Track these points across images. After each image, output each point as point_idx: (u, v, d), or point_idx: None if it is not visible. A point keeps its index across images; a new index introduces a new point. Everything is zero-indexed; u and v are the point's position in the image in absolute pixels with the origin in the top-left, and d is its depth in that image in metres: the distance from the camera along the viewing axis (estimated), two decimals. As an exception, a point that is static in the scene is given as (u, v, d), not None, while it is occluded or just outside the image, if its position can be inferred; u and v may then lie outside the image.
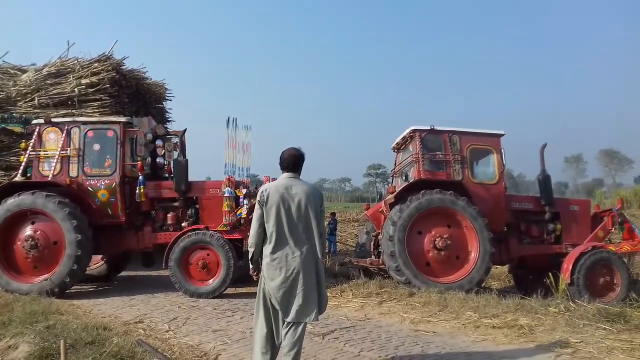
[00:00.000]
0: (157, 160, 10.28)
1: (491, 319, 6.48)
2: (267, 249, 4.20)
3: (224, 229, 9.00)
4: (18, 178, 9.27)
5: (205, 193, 9.52)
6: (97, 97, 12.22)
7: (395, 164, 11.32)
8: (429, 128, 9.55)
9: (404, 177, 10.38)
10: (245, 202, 9.05)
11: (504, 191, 9.61)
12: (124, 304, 8.18)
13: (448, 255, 8.81)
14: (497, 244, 9.19)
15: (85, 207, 8.94)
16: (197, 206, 9.58)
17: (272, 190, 4.20)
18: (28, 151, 9.24)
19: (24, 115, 11.60)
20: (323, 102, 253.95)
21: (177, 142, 10.46)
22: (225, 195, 9.06)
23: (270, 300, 4.20)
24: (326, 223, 15.50)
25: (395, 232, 8.68)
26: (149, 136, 10.03)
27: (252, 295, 4.40)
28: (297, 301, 4.09)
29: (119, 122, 9.38)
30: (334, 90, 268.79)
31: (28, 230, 8.70)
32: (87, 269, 9.46)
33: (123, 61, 13.02)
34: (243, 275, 9.08)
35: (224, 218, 9.02)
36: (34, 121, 9.77)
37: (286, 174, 4.31)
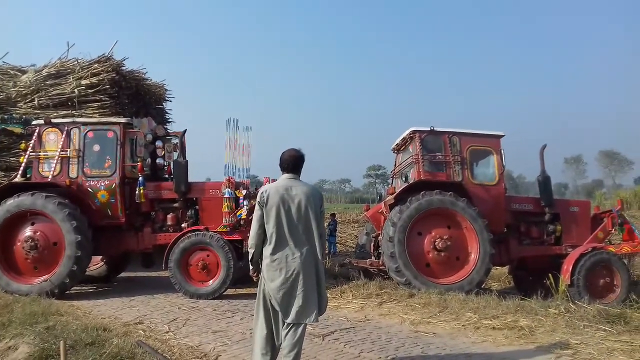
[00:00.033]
0: (157, 161, 10.29)
1: (491, 320, 6.48)
2: (267, 250, 4.20)
3: (223, 230, 9.00)
4: (18, 179, 9.27)
5: (205, 194, 9.52)
6: (97, 98, 12.24)
7: (395, 165, 11.32)
8: (428, 129, 9.55)
9: (403, 178, 10.38)
10: (245, 203, 9.04)
11: (504, 192, 9.61)
12: (123, 305, 8.18)
13: (448, 256, 8.81)
14: (497, 245, 9.19)
15: (85, 208, 8.94)
16: (197, 207, 9.57)
17: (272, 191, 4.20)
18: (28, 152, 9.24)
19: (23, 116, 11.61)
20: (323, 102, 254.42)
21: (177, 143, 10.46)
22: (225, 196, 9.06)
23: (270, 301, 4.20)
24: (326, 224, 15.49)
25: (395, 233, 8.68)
26: (149, 137, 10.04)
27: (252, 296, 4.40)
28: (297, 302, 4.09)
29: (119, 123, 9.38)
30: (334, 91, 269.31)
31: (28, 231, 8.70)
32: (87, 270, 9.46)
33: (123, 62, 13.06)
34: (243, 276, 9.08)
35: (223, 219, 9.01)
36: (34, 122, 9.76)
37: (286, 175, 4.31)
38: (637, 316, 6.43)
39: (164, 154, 10.27)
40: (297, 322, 4.10)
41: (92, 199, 9.09)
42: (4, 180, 10.88)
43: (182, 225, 9.44)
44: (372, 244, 10.26)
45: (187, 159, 9.81)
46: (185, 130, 10.62)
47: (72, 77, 12.51)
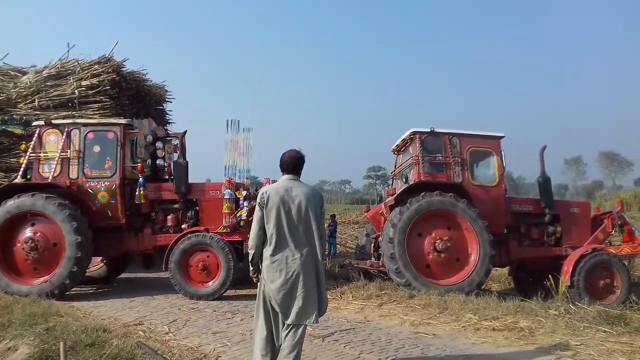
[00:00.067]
0: (157, 162, 10.30)
1: (491, 322, 6.48)
2: (267, 251, 4.20)
3: (224, 230, 9.01)
4: (18, 180, 9.28)
5: (205, 195, 9.53)
6: (98, 99, 12.23)
7: (395, 166, 11.32)
8: (429, 130, 9.55)
9: (404, 179, 10.39)
10: (245, 204, 9.05)
11: (504, 193, 9.61)
12: (123, 306, 8.18)
13: (448, 258, 8.80)
14: (497, 246, 9.18)
15: (85, 209, 8.94)
16: (197, 208, 9.58)
17: (272, 192, 4.20)
18: (28, 153, 9.25)
19: (24, 117, 11.60)
20: (323, 102, 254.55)
21: (177, 144, 10.47)
22: (225, 197, 9.07)
23: (270, 303, 4.20)
24: (326, 225, 15.49)
25: (395, 234, 8.68)
26: (149, 138, 10.05)
27: (252, 297, 4.40)
28: (297, 303, 4.09)
29: (119, 124, 9.39)
30: (334, 91, 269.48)
31: (28, 232, 8.71)
32: (87, 270, 9.45)
33: (123, 63, 13.05)
34: (243, 277, 9.08)
35: (224, 220, 9.02)
36: (34, 123, 9.77)
37: (286, 176, 4.31)
38: (637, 317, 6.43)
39: (164, 155, 10.28)
40: (297, 323, 4.10)
41: (93, 200, 9.10)
42: (4, 181, 10.89)
43: (182, 226, 9.45)
44: (372, 245, 10.26)
45: (187, 160, 9.83)
46: (185, 131, 10.64)
47: (73, 78, 12.51)
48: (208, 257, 8.73)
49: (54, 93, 12.41)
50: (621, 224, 9.57)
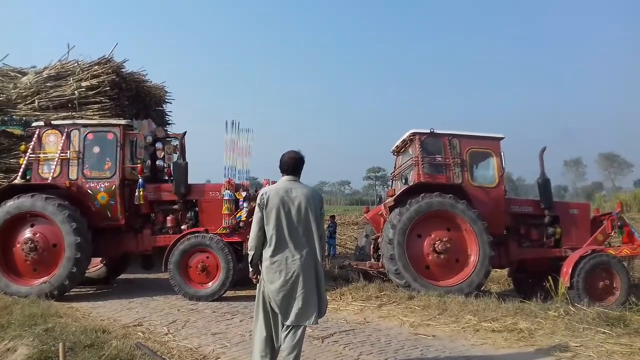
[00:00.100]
0: (157, 162, 10.30)
1: (491, 323, 6.48)
2: (267, 252, 4.20)
3: (223, 231, 9.01)
4: (17, 180, 9.28)
5: (204, 196, 9.53)
6: (97, 99, 12.25)
7: (395, 167, 11.32)
8: (428, 131, 9.55)
9: (403, 180, 10.40)
10: (245, 205, 9.05)
11: (504, 194, 9.61)
12: (123, 307, 8.17)
13: (448, 259, 8.80)
14: (496, 248, 9.18)
15: (84, 209, 8.94)
16: (197, 209, 9.58)
17: (272, 193, 4.20)
18: (28, 154, 9.25)
19: (24, 118, 11.60)
20: (323, 103, 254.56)
21: (176, 144, 10.47)
22: (224, 198, 9.07)
23: (269, 304, 4.19)
24: (325, 226, 15.50)
25: (395, 235, 8.68)
26: (149, 139, 10.05)
27: (252, 298, 4.40)
28: (297, 304, 4.09)
29: (118, 125, 9.39)
30: (334, 91, 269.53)
31: (27, 233, 8.70)
32: (87, 271, 9.45)
33: (123, 64, 13.06)
34: (242, 278, 9.07)
35: (223, 221, 9.02)
36: (34, 124, 9.77)
37: (286, 177, 4.31)
38: (637, 319, 6.43)
39: (164, 155, 10.28)
40: (296, 324, 4.09)
41: (92, 201, 9.10)
42: (4, 182, 10.89)
43: (182, 227, 9.45)
44: (372, 246, 10.27)
45: (186, 160, 9.83)
46: (185, 132, 10.65)
47: (72, 79, 12.51)
48: (207, 258, 8.72)
49: (54, 94, 12.42)
50: (621, 225, 9.58)
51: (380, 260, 9.27)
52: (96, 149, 9.27)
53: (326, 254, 12.64)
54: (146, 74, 14.00)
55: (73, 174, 9.15)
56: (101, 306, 8.25)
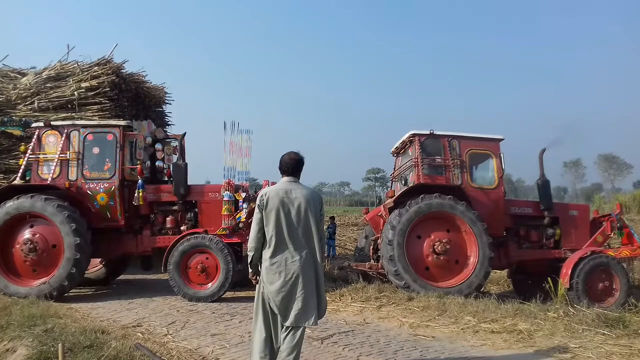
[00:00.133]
0: (157, 163, 10.29)
1: (490, 324, 6.48)
2: (267, 253, 4.19)
3: (223, 232, 9.01)
4: (17, 181, 9.28)
5: (204, 197, 9.54)
6: (97, 100, 12.26)
7: (394, 168, 11.33)
8: (428, 132, 9.55)
9: (403, 182, 10.39)
10: (245, 206, 9.05)
11: (503, 196, 9.61)
12: (122, 308, 8.17)
13: (447, 260, 8.80)
14: (496, 249, 9.19)
15: (84, 210, 8.94)
16: (196, 210, 9.58)
17: (271, 194, 4.20)
18: (27, 154, 9.25)
19: (23, 119, 11.61)
20: (322, 103, 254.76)
21: (176, 145, 10.47)
22: (224, 199, 9.06)
23: (269, 304, 4.19)
24: (325, 227, 15.50)
25: (395, 236, 8.67)
26: (149, 140, 10.05)
27: (251, 299, 4.40)
28: (297, 305, 4.09)
29: (118, 126, 9.39)
30: (333, 91, 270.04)
31: (27, 234, 8.70)
32: (86, 272, 9.44)
33: (123, 65, 13.07)
34: (242, 279, 9.10)
35: (223, 222, 9.03)
36: (34, 124, 9.78)
37: (286, 178, 4.31)
38: (636, 320, 6.43)
39: (164, 156, 10.28)
40: (296, 325, 4.09)
41: (92, 202, 9.10)
42: (4, 183, 10.89)
43: (182, 228, 9.46)
44: (371, 247, 10.26)
45: (186, 161, 9.83)
46: (184, 133, 10.66)
47: (72, 80, 12.52)
48: (207, 259, 8.72)
49: (54, 95, 12.42)
50: (620, 227, 9.58)
51: (380, 261, 9.27)
52: (96, 150, 9.28)
53: (325, 255, 12.64)
54: (146, 75, 14.03)
55: (72, 175, 9.15)
56: (100, 307, 8.24)
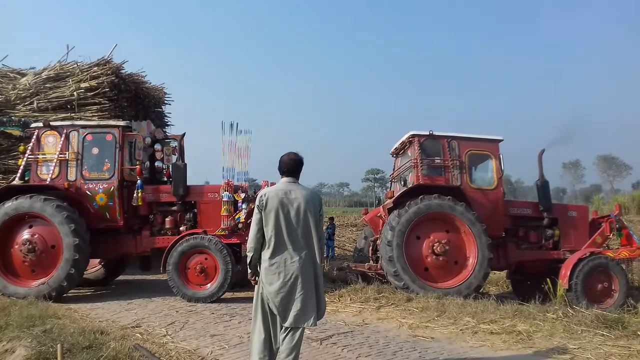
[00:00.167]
0: (156, 164, 10.30)
1: (489, 325, 6.49)
2: (266, 253, 4.19)
3: (222, 233, 9.00)
4: (16, 181, 9.27)
5: (203, 197, 9.54)
6: (96, 101, 12.27)
7: (393, 168, 11.33)
8: (427, 133, 9.56)
9: (402, 182, 10.39)
10: (244, 206, 9.05)
11: (503, 197, 9.62)
12: (121, 308, 8.16)
13: (446, 261, 8.81)
14: (495, 250, 9.20)
15: (83, 210, 8.94)
16: (196, 210, 9.58)
17: (271, 194, 4.20)
18: (26, 154, 9.24)
19: (22, 119, 11.60)
20: (322, 103, 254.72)
21: (176, 146, 10.47)
22: (223, 199, 9.06)
23: (268, 305, 4.19)
24: (324, 228, 15.50)
25: (394, 237, 8.68)
26: (148, 140, 10.05)
27: (250, 300, 4.39)
28: (296, 306, 4.08)
29: (117, 126, 9.39)
30: (333, 92, 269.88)
31: (26, 234, 8.70)
32: (85, 272, 9.44)
33: (122, 65, 13.08)
34: (241, 280, 9.10)
35: (222, 222, 9.02)
36: (33, 125, 9.77)
37: (285, 179, 4.31)
38: (635, 321, 6.44)
39: (163, 157, 10.28)
40: (295, 326, 4.09)
41: (91, 202, 9.10)
42: (3, 183, 10.88)
43: (181, 228, 9.46)
44: (371, 247, 10.26)
45: (185, 162, 9.83)
46: (184, 134, 10.67)
47: (72, 80, 12.54)
48: (206, 259, 8.72)
49: (53, 95, 12.43)
50: (619, 228, 9.58)
51: (379, 262, 9.27)
52: (95, 150, 9.27)
53: (325, 255, 12.65)
54: (145, 75, 14.05)
55: (72, 175, 9.14)
56: (99, 307, 8.24)
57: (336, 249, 17.29)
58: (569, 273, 8.55)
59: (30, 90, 12.53)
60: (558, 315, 6.69)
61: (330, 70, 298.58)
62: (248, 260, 4.33)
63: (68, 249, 8.47)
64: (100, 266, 10.76)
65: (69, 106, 12.33)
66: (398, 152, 10.92)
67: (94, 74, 12.51)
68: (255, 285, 4.32)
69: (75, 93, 12.25)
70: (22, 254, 8.58)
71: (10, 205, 8.65)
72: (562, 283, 8.46)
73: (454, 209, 8.80)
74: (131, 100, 13.26)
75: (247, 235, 4.44)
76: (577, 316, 6.60)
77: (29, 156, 9.23)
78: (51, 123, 9.55)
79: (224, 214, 9.01)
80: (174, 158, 10.37)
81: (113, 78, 12.48)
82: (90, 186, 9.12)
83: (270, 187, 4.51)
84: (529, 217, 9.96)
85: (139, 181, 9.17)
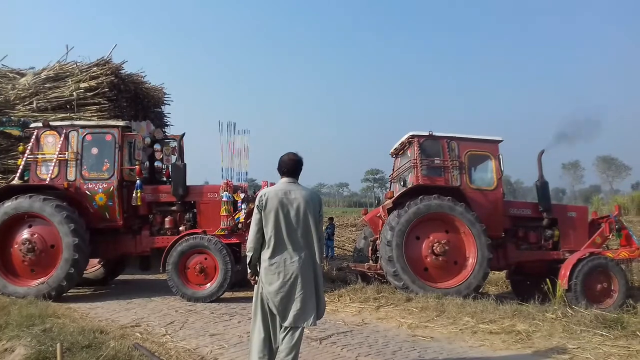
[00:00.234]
0: (156, 164, 10.30)
1: (488, 325, 6.49)
2: (266, 253, 4.20)
3: (221, 233, 9.01)
4: (16, 181, 9.27)
5: (203, 197, 9.54)
6: (96, 101, 12.26)
7: (393, 169, 11.34)
8: (427, 134, 9.57)
9: (402, 183, 10.40)
10: (243, 206, 9.06)
11: (502, 197, 9.62)
12: (120, 308, 8.17)
13: (446, 261, 8.81)
14: (494, 250, 9.20)
15: (82, 210, 8.94)
16: (195, 210, 9.59)
17: (271, 194, 4.20)
18: (26, 154, 9.25)
19: (22, 119, 11.60)
20: (322, 104, 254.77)
21: (175, 146, 10.47)
22: (223, 199, 9.06)
23: (267, 305, 4.19)
24: (324, 228, 15.51)
25: (393, 237, 8.68)
26: (147, 140, 10.06)
27: (250, 299, 4.40)
28: (295, 306, 4.09)
29: (117, 126, 9.40)
30: (333, 92, 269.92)
31: (25, 234, 8.70)
32: (84, 272, 9.44)
33: (122, 65, 13.08)
34: (241, 280, 9.10)
35: (221, 222, 9.03)
36: (32, 124, 9.77)
37: (285, 179, 4.32)
38: (634, 321, 6.43)
39: (162, 157, 10.28)
40: (294, 325, 4.09)
41: (90, 202, 9.10)
42: (2, 183, 10.89)
43: (180, 228, 9.46)
44: (370, 247, 10.26)
45: (185, 162, 9.83)
46: (183, 134, 10.66)
47: (71, 80, 12.53)
48: (206, 259, 8.72)
49: (52, 95, 12.43)
50: (619, 228, 9.59)
51: (379, 262, 9.28)
52: (94, 150, 9.28)
53: (324, 255, 12.65)
54: (145, 75, 14.05)
55: (71, 175, 9.15)
56: (99, 307, 8.24)
57: (336, 249, 17.31)
58: (568, 273, 8.56)
59: (30, 90, 12.53)
60: (557, 315, 6.69)
61: (330, 70, 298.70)
62: (248, 260, 4.34)
63: (67, 249, 8.47)
64: (99, 266, 10.77)
65: (68, 106, 12.32)
66: (398, 153, 10.93)
67: (93, 74, 12.50)
68: (255, 285, 4.32)
69: (74, 93, 12.25)
70: (22, 254, 8.59)
71: (9, 205, 8.65)
72: (562, 283, 8.46)
73: (453, 209, 8.80)
74: (131, 100, 13.26)
75: (247, 235, 4.44)
76: (577, 316, 6.60)
77: (29, 156, 9.23)
78: (50, 123, 9.55)
79: (224, 214, 9.01)
80: (173, 158, 10.37)
81: (112, 78, 12.48)
82: (90, 186, 9.12)
83: (270, 187, 4.52)
84: (528, 218, 9.97)
85: (138, 181, 9.17)
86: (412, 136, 9.65)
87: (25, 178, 9.36)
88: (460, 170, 9.47)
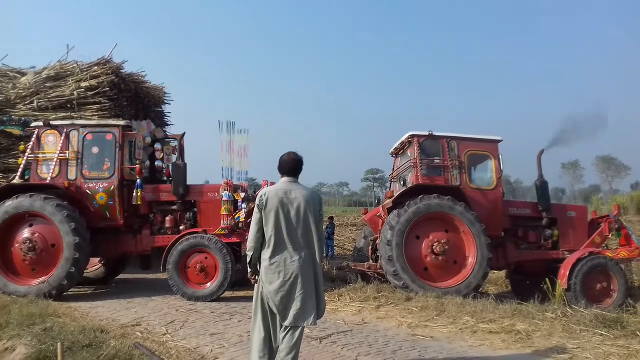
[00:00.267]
0: (156, 163, 10.31)
1: (488, 324, 6.50)
2: (266, 253, 4.21)
3: (222, 232, 9.02)
4: (16, 180, 9.28)
5: (203, 196, 9.55)
6: (96, 100, 12.27)
7: (393, 168, 11.34)
8: (427, 133, 9.57)
9: (402, 182, 10.41)
10: (244, 205, 9.07)
11: (502, 197, 9.63)
12: (121, 307, 8.17)
13: (446, 260, 8.82)
14: (494, 249, 9.22)
15: (83, 209, 8.95)
16: (195, 209, 9.59)
17: (271, 194, 4.21)
18: (26, 153, 9.25)
19: (22, 118, 11.60)
20: (322, 103, 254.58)
21: (175, 145, 10.49)
22: (223, 198, 9.07)
23: (267, 304, 4.20)
24: (324, 227, 15.51)
25: (393, 236, 8.69)
26: (148, 139, 10.07)
27: (250, 298, 4.41)
28: (295, 305, 4.10)
29: (117, 126, 9.40)
30: (333, 92, 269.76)
31: (26, 233, 8.70)
32: (85, 271, 9.45)
33: (122, 65, 13.09)
34: (241, 279, 9.11)
35: (222, 221, 9.04)
36: (33, 124, 9.77)
37: (285, 178, 4.32)
38: (634, 321, 6.44)
39: (163, 156, 10.30)
40: (294, 324, 4.11)
41: (91, 201, 9.10)
42: (3, 182, 10.90)
43: (180, 227, 9.47)
44: (370, 247, 10.27)
45: (185, 161, 9.84)
46: (184, 133, 10.68)
47: (72, 80, 12.54)
48: (206, 258, 8.73)
49: (53, 94, 12.43)
50: (618, 228, 9.60)
51: (379, 261, 9.29)
52: (95, 150, 9.28)
53: (324, 255, 12.66)
54: (145, 75, 14.06)
55: (72, 174, 9.15)
56: (99, 306, 8.25)
57: (335, 248, 17.31)
58: (567, 273, 8.57)
59: (30, 90, 12.53)
60: (557, 314, 6.71)
61: (330, 70, 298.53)
62: (248, 259, 4.35)
63: (68, 248, 8.48)
64: (100, 265, 10.77)
65: (69, 105, 12.33)
66: (397, 152, 10.93)
67: (93, 73, 12.51)
68: (255, 284, 4.33)
69: (75, 92, 12.26)
70: (23, 253, 8.59)
71: (10, 204, 8.65)
72: (561, 283, 8.48)
73: (453, 208, 8.82)
74: (131, 99, 13.27)
75: (247, 235, 4.45)
76: (576, 316, 6.62)
77: (29, 155, 9.24)
78: (51, 122, 9.55)
79: (224, 213, 9.02)
80: (173, 157, 10.39)
81: (113, 77, 12.49)
82: (90, 185, 9.13)
83: (270, 186, 4.53)
84: (528, 217, 9.98)
85: (138, 180, 9.18)
86: (412, 136, 9.65)
87: (26, 177, 9.36)
88: (460, 169, 9.48)
